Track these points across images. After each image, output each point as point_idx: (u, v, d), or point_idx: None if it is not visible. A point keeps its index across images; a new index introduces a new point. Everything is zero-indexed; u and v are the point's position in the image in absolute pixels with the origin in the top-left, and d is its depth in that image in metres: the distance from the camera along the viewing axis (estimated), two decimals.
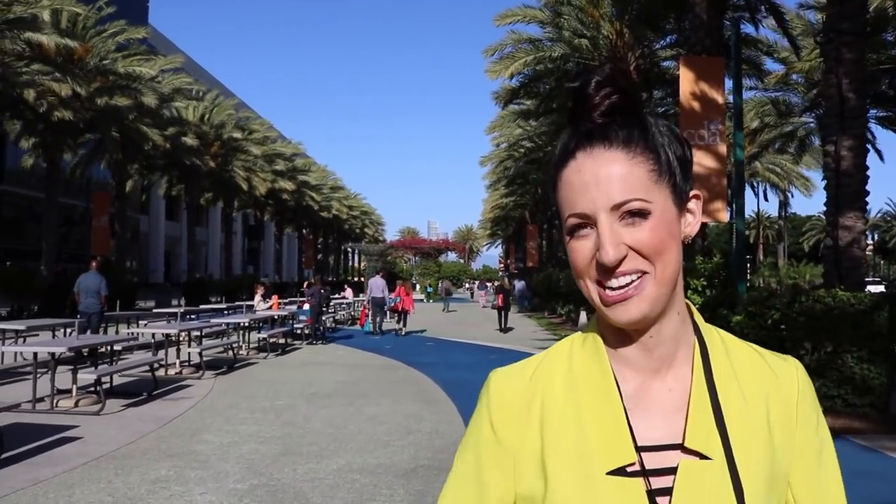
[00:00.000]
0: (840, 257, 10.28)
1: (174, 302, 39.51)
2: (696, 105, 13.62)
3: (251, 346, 16.58)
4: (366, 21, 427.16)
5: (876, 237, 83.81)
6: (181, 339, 13.85)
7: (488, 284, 56.94)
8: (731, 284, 13.66)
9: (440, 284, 49.75)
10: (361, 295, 38.94)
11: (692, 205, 0.96)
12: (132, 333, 14.26)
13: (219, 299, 39.26)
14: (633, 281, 0.88)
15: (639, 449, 0.89)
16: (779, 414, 0.94)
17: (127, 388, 10.72)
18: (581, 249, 0.90)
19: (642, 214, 0.87)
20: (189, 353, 13.25)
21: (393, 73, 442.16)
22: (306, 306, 19.33)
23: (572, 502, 0.88)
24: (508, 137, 37.06)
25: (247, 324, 15.98)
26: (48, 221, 30.31)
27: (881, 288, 34.22)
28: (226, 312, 21.85)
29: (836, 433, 8.25)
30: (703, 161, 13.45)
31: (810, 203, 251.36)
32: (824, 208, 11.62)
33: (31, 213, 42.70)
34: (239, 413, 9.15)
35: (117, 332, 15.65)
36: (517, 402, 0.99)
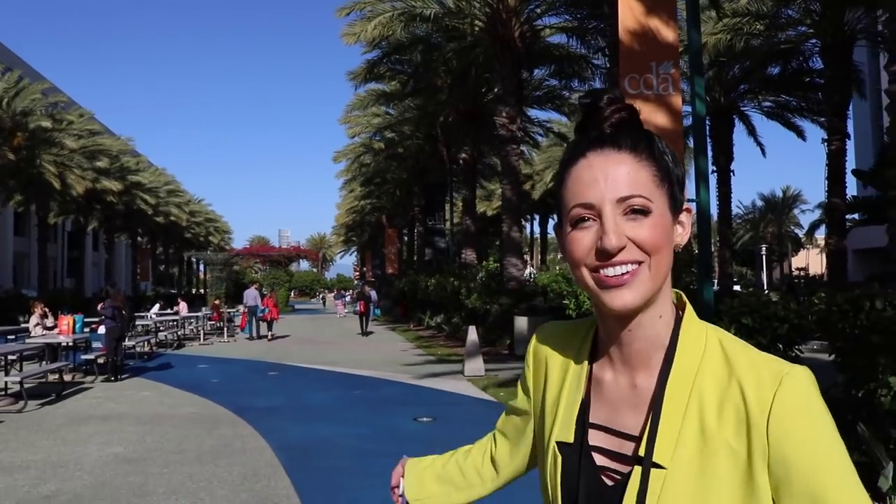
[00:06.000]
0: None
1: None
2: (638, 41, 9.89)
3: (8, 391, 11.51)
4: (204, 9, 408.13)
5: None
6: None
7: (346, 293, 52.58)
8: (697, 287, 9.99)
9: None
10: (204, 308, 33.66)
11: (683, 217, 1.05)
12: None
13: (25, 319, 32.96)
14: (629, 270, 0.97)
15: (588, 426, 1.07)
16: (733, 432, 0.96)
17: None
18: (582, 239, 1.00)
19: (644, 212, 0.98)
20: None
21: (241, 74, 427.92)
22: (102, 328, 14.28)
23: (543, 461, 1.15)
24: (366, 126, 32.74)
25: None
26: None
27: None
28: (9, 339, 16.52)
29: None
30: (651, 118, 9.69)
31: None
32: None
33: None
34: None
35: None
36: (541, 355, 1.23)
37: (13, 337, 16.91)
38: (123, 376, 13.92)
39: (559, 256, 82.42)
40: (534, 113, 29.74)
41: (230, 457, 7.37)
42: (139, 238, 64.56)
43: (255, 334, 24.98)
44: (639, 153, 1.00)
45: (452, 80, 24.62)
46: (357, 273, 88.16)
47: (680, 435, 0.97)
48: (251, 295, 25.38)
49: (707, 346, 1.02)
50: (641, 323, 1.02)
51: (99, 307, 15.61)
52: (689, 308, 1.06)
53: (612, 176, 0.98)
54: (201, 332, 25.11)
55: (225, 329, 26.05)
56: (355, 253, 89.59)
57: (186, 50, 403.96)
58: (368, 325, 27.42)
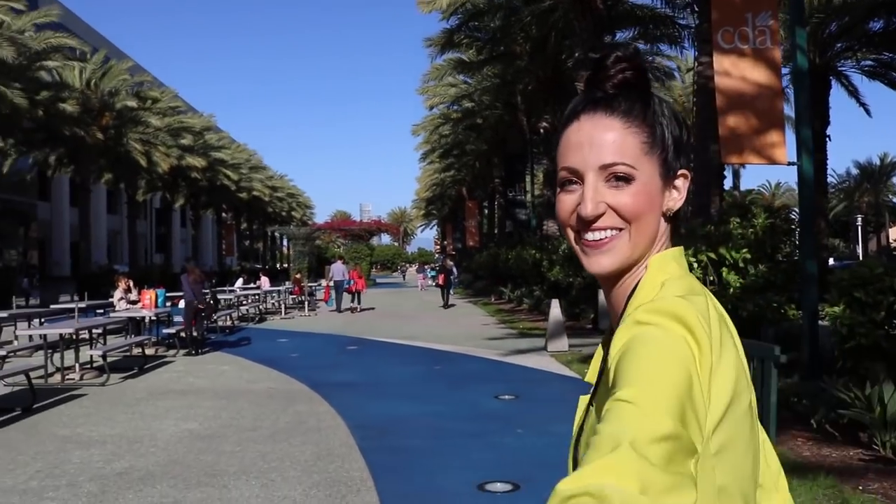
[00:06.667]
0: None
1: (62, 298, 34.01)
2: None
3: (93, 364, 11.63)
4: None
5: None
6: None
7: (427, 267, 52.68)
8: (797, 257, 9.33)
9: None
10: (287, 283, 34.14)
11: (679, 182, 1.03)
12: None
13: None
14: (608, 236, 0.99)
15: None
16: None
17: None
18: (566, 202, 1.01)
19: (627, 179, 0.97)
20: None
21: (320, 47, 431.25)
22: (182, 303, 14.35)
23: None
24: (444, 97, 32.29)
25: (73, 334, 10.95)
26: None
27: None
28: (98, 313, 16.90)
29: None
30: (749, 74, 8.96)
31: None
32: None
33: None
34: None
35: None
36: None
37: (102, 311, 17.25)
38: (205, 350, 13.97)
39: None
40: None
41: (304, 435, 7.13)
42: (224, 214, 65.93)
43: (339, 307, 25.36)
44: (630, 119, 0.99)
45: (532, 46, 23.94)
46: (437, 246, 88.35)
47: (602, 381, 0.99)
48: (339, 269, 25.90)
49: (650, 293, 0.98)
50: (619, 288, 1.03)
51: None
52: (655, 258, 1.02)
53: (597, 142, 0.98)
54: (283, 306, 25.29)
55: (306, 303, 26.14)
56: (436, 226, 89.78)
57: (265, 26, 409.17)
58: (449, 297, 27.74)
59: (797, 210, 9.76)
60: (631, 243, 0.98)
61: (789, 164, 8.77)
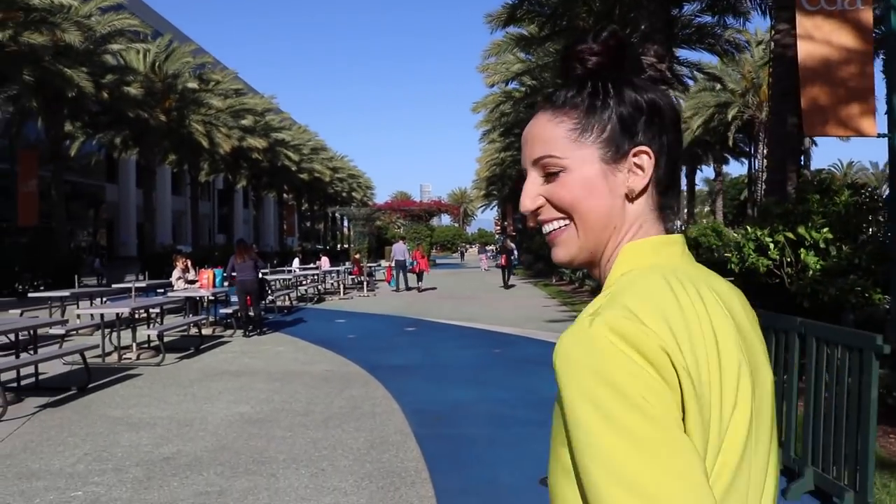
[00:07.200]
0: None
1: (127, 277, 34.63)
2: None
3: (150, 343, 11.59)
4: None
5: None
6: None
7: (488, 248, 52.36)
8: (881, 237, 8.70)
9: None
10: (347, 263, 34.12)
11: (638, 160, 0.95)
12: None
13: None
14: (556, 228, 0.97)
15: None
16: None
17: None
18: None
19: (556, 171, 0.96)
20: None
21: (381, 29, 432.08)
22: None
23: None
24: (504, 74, 31.66)
25: (130, 314, 10.87)
26: None
27: None
28: (158, 292, 17.05)
29: None
30: (835, 38, 8.33)
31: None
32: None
33: None
34: None
35: None
36: None
37: (162, 290, 17.37)
38: (264, 330, 13.85)
39: (706, 209, 78.87)
40: (682, 54, 27.86)
41: (358, 420, 6.86)
42: (285, 195, 66.45)
43: (401, 287, 25.77)
44: (559, 107, 0.97)
45: (595, 20, 23.23)
46: (498, 227, 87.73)
47: None
48: (399, 249, 26.62)
49: (611, 284, 0.94)
50: (603, 271, 0.99)
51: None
52: (627, 246, 0.95)
53: (529, 138, 1.00)
54: (342, 286, 25.20)
55: (365, 283, 26.01)
56: (496, 207, 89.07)
57: (328, 10, 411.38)
58: (510, 278, 27.97)
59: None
60: (580, 234, 0.96)
61: (879, 135, 8.13)
